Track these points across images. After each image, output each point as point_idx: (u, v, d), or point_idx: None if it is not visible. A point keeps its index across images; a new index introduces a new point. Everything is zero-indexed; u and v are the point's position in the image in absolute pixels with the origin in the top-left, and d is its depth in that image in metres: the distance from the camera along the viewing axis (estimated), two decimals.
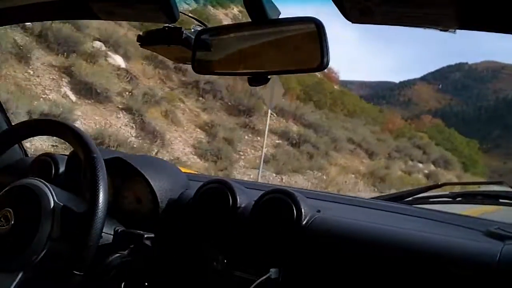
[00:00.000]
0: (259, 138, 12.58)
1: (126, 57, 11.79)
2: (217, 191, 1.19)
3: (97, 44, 11.23)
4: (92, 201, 0.95)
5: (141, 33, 1.08)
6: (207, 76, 11.19)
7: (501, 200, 1.29)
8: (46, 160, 1.42)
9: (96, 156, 1.00)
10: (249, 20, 0.90)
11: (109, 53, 11.41)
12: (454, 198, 1.33)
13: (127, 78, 11.28)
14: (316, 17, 0.84)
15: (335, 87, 25.01)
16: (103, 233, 1.00)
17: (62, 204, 1.00)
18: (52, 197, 1.00)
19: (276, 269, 1.05)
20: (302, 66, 0.90)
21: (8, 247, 0.97)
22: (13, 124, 1.63)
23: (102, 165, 0.99)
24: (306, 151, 13.75)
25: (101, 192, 0.96)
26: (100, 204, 0.95)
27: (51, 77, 9.50)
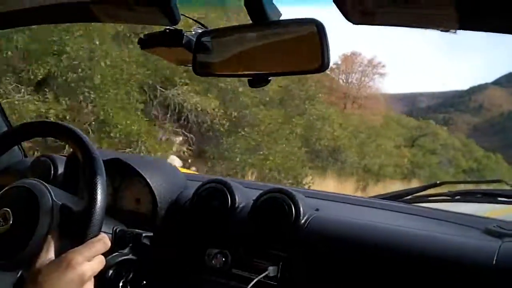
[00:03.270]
0: None
1: None
2: (215, 191, 1.20)
3: None
4: (90, 199, 0.95)
5: (142, 36, 1.08)
6: None
7: (499, 199, 1.29)
8: (45, 161, 1.42)
9: (94, 157, 1.00)
10: (250, 21, 0.90)
11: None
12: (452, 197, 1.33)
13: None
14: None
15: None
16: (102, 233, 1.00)
17: (60, 202, 1.00)
18: (51, 196, 0.99)
19: (274, 267, 1.06)
20: (302, 68, 0.91)
21: (7, 246, 0.97)
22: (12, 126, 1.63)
23: (101, 166, 0.99)
24: None
25: (99, 190, 0.95)
26: (98, 201, 0.95)
27: None
